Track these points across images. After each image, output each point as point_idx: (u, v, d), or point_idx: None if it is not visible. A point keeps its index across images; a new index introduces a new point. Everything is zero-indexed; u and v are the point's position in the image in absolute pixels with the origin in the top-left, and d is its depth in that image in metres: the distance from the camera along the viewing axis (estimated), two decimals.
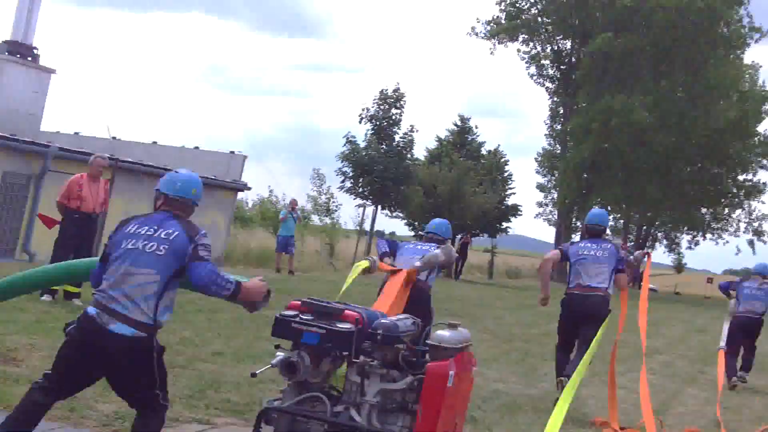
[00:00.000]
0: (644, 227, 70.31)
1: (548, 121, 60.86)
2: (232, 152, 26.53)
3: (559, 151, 57.24)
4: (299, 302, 5.36)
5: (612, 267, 9.45)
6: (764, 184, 65.28)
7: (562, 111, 56.97)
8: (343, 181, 32.88)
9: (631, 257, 10.97)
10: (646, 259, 10.66)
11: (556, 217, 59.42)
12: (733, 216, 67.70)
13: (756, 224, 67.12)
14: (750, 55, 64.84)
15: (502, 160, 47.78)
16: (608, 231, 10.99)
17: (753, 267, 14.48)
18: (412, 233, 42.58)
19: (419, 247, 9.17)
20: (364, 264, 8.28)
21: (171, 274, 4.91)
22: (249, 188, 26.94)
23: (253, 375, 5.47)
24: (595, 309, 9.15)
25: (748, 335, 13.34)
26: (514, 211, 46.57)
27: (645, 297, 9.46)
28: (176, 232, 4.98)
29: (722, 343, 12.54)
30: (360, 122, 33.38)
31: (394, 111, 33.30)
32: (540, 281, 10.39)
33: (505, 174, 47.41)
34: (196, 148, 27.16)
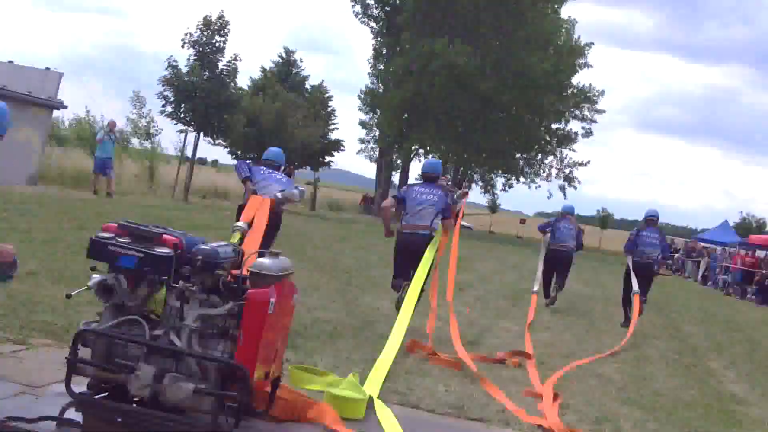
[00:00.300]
0: (461, 168, 72.13)
1: (372, 60, 61.12)
2: (48, 69, 25.37)
3: (381, 91, 57.63)
4: (115, 224, 5.19)
5: (438, 209, 10.64)
6: (575, 133, 68.12)
7: (385, 51, 57.26)
8: (164, 106, 32.01)
9: (454, 196, 11.72)
10: (464, 198, 12.14)
11: (377, 154, 60.06)
12: (546, 162, 70.36)
13: (567, 171, 69.99)
14: (566, 11, 66.71)
15: (326, 95, 47.75)
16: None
17: (562, 208, 17.15)
18: (235, 161, 42.18)
19: (274, 175, 10.23)
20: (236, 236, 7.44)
21: None
22: (65, 106, 25.97)
23: (68, 296, 5.30)
24: (422, 244, 10.30)
25: (561, 264, 15.82)
26: (337, 146, 46.81)
27: (457, 232, 10.99)
28: None
29: (534, 287, 14.80)
30: (183, 47, 32.50)
31: (217, 38, 32.56)
32: (384, 221, 11.48)
33: (329, 109, 47.47)
34: (10, 62, 25.85)
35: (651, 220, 15.73)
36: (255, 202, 8.40)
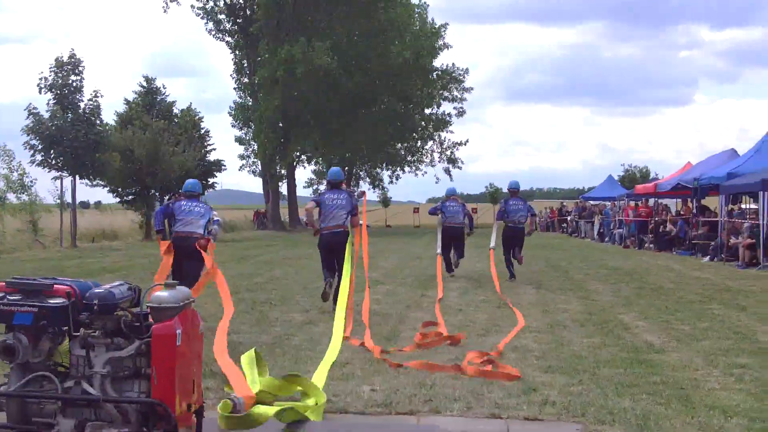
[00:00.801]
0: (346, 168, 72.39)
1: (235, 75, 60.76)
2: None
3: (251, 103, 57.32)
4: (3, 283, 4.99)
5: (348, 210, 12.78)
6: (449, 115, 69.26)
7: (246, 64, 56.96)
8: (33, 155, 31.21)
9: (356, 196, 13.60)
10: (363, 198, 14.23)
11: (260, 167, 59.74)
12: (426, 148, 71.26)
13: (448, 153, 71.01)
14: None
15: (197, 117, 47.15)
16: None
17: (446, 191, 19.67)
18: (117, 200, 41.35)
19: (195, 208, 11.91)
20: None
21: None
22: None
23: None
24: (341, 241, 12.46)
25: (455, 239, 18.60)
26: (218, 166, 46.27)
27: (365, 231, 13.07)
28: None
29: (438, 250, 17.89)
30: (40, 92, 31.80)
31: (73, 78, 31.92)
32: (309, 223, 13.85)
33: (202, 131, 46.87)
34: None
35: (514, 191, 18.69)
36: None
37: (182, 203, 11.95)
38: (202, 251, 11.21)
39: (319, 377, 7.42)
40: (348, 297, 10.68)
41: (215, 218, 11.98)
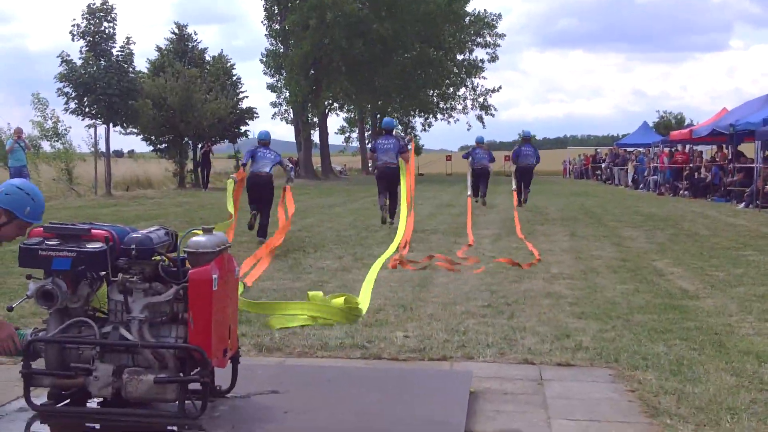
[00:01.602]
0: (378, 115, 72.15)
1: (265, 22, 60.34)
2: None
3: (282, 50, 57.00)
4: (41, 228, 5.02)
5: (396, 150, 16.99)
6: (482, 60, 68.60)
7: (277, 11, 56.52)
8: (66, 103, 31.32)
9: (405, 140, 18.11)
10: (411, 142, 18.31)
11: (291, 115, 59.60)
12: (459, 94, 70.73)
13: (481, 99, 70.51)
14: None
15: (228, 64, 46.99)
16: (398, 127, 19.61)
17: (475, 139, 24.53)
18: (151, 148, 41.49)
19: (267, 153, 15.27)
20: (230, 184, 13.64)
21: None
22: None
23: (10, 309, 5.19)
24: (394, 174, 16.69)
25: (482, 177, 23.09)
26: (250, 114, 46.22)
27: (412, 170, 16.92)
28: None
29: (468, 191, 20.23)
30: (73, 40, 31.77)
31: (106, 24, 31.85)
32: (372, 162, 18.99)
33: (234, 78, 46.74)
34: None
35: (526, 138, 23.55)
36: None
37: (259, 149, 15.36)
38: (281, 188, 15.43)
39: (370, 278, 8.99)
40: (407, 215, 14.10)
41: (288, 165, 16.38)
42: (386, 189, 17.24)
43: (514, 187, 20.74)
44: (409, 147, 17.52)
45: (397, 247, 12.33)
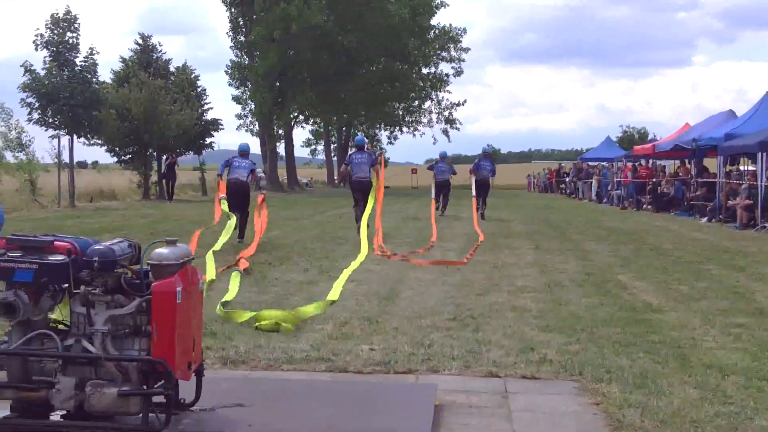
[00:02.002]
0: (344, 128, 72.25)
1: (231, 33, 60.19)
2: None
3: (247, 62, 56.88)
4: (3, 240, 4.96)
5: (369, 164, 19.38)
6: (447, 75, 68.96)
7: (242, 22, 56.41)
8: (30, 113, 31.06)
9: (376, 155, 21.00)
10: (381, 156, 22.00)
11: (257, 127, 59.47)
12: (424, 108, 71.04)
13: (446, 113, 70.82)
14: None
15: (193, 75, 46.80)
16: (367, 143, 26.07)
17: (439, 153, 28.64)
18: (115, 159, 41.21)
19: (242, 163, 17.57)
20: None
21: None
22: None
23: None
24: (365, 187, 18.99)
25: (443, 188, 26.86)
26: (215, 125, 46.04)
27: (381, 184, 18.92)
28: None
29: (431, 196, 24.63)
30: (36, 49, 31.52)
31: (69, 35, 31.65)
32: (341, 177, 22.16)
33: (199, 89, 46.54)
34: None
35: (487, 154, 27.65)
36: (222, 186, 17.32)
37: (236, 158, 17.68)
38: (250, 196, 17.80)
39: (340, 281, 9.74)
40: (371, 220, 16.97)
41: (260, 174, 18.57)
42: (362, 199, 19.04)
43: (473, 194, 24.15)
44: (379, 160, 20.02)
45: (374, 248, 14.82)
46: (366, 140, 22.68)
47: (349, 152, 24.71)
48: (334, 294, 9.55)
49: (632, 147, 42.43)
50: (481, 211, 24.32)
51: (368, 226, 16.16)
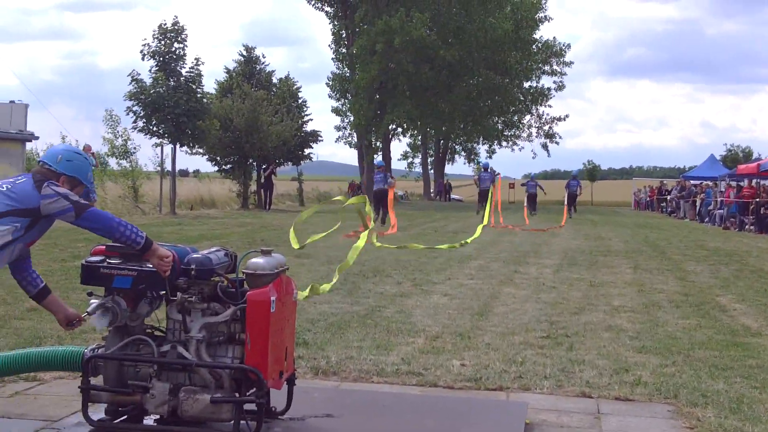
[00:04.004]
0: (441, 141, 72.20)
1: (333, 45, 60.75)
2: (12, 102, 25.05)
3: (348, 74, 57.30)
4: (103, 247, 5.10)
5: (384, 182, 27.06)
6: (548, 89, 68.31)
7: (344, 34, 56.88)
8: (135, 121, 31.77)
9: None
10: (393, 181, 28.47)
11: (355, 139, 59.84)
12: (524, 122, 70.52)
13: (546, 128, 70.21)
14: None
15: (294, 87, 47.36)
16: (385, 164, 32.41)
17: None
18: (216, 168, 41.92)
19: (379, 175, 28.22)
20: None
21: (4, 210, 4.67)
22: (36, 137, 25.63)
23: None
24: (381, 196, 26.63)
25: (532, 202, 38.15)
26: (314, 137, 46.52)
27: (391, 195, 25.84)
28: (23, 179, 4.85)
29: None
30: (143, 59, 32.25)
31: (176, 45, 32.30)
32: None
33: (300, 101, 47.09)
34: None
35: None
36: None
37: (377, 174, 28.07)
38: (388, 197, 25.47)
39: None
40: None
41: (389, 179, 27.77)
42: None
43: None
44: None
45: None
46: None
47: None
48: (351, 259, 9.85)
49: (736, 166, 41.39)
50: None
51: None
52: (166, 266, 4.84)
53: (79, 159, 5.09)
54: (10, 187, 4.79)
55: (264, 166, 40.84)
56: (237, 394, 4.85)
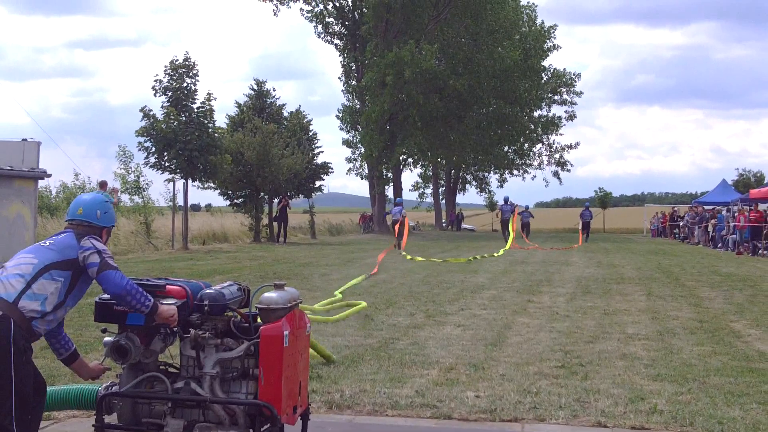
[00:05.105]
0: (452, 170, 72.29)
1: (343, 78, 61.02)
2: (24, 140, 25.12)
3: (358, 106, 57.52)
4: None
5: (399, 214, 33.34)
6: (559, 117, 68.46)
7: (354, 67, 57.17)
8: (147, 157, 31.87)
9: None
10: (405, 216, 33.12)
11: (366, 171, 59.94)
12: (534, 151, 70.61)
13: (557, 156, 70.26)
14: None
15: (305, 120, 47.50)
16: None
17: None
18: (227, 203, 42.00)
19: (396, 208, 35.20)
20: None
21: (48, 263, 4.76)
22: (49, 175, 25.66)
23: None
24: (400, 225, 32.54)
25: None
26: (325, 169, 46.56)
27: (407, 224, 32.41)
28: (65, 234, 4.99)
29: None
30: (155, 95, 32.36)
31: (188, 80, 32.45)
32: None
33: (310, 134, 47.20)
34: None
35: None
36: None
37: (394, 208, 34.09)
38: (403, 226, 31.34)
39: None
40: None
41: (402, 212, 32.89)
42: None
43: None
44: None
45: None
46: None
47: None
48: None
49: (748, 190, 41.27)
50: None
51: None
52: (172, 322, 4.92)
53: (110, 207, 5.24)
54: (52, 242, 4.91)
55: (278, 199, 40.92)
56: (251, 430, 4.85)
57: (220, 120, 42.74)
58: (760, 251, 30.61)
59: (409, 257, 23.68)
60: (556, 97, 68.77)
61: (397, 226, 33.53)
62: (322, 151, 50.47)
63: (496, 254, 27.29)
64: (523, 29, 61.99)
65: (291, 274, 18.34)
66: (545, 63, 64.94)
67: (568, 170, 70.80)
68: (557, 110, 69.94)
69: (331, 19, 56.83)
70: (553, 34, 64.71)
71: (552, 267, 22.37)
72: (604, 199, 70.36)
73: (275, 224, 40.75)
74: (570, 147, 71.13)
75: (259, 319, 5.05)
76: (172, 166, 31.76)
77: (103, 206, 5.16)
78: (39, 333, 4.72)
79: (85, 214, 5.10)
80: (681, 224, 49.06)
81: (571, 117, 69.15)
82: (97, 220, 5.08)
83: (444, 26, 52.54)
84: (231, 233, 40.41)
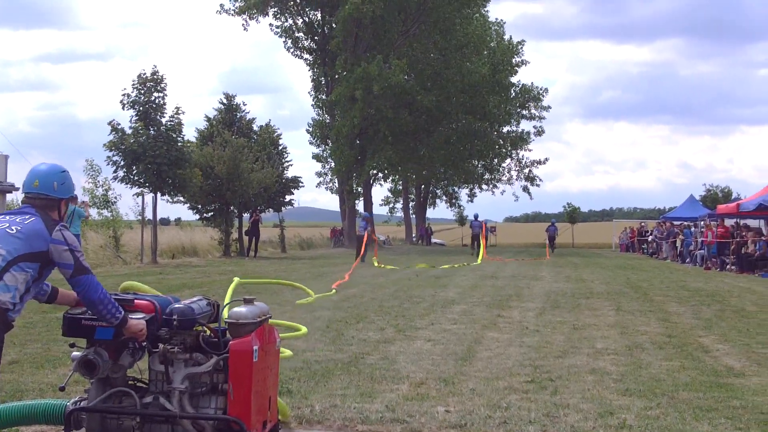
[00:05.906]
0: (422, 185, 72.53)
1: (312, 92, 61.13)
2: None
3: (328, 121, 57.60)
4: None
5: (363, 227, 35.14)
6: (527, 133, 68.97)
7: (324, 81, 57.26)
8: (115, 171, 31.69)
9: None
10: (369, 224, 35.99)
11: (336, 185, 59.99)
12: (504, 166, 71.09)
13: (526, 171, 70.73)
14: (492, 12, 67.67)
15: (275, 134, 47.43)
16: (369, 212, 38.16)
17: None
18: (197, 217, 41.84)
19: (362, 222, 36.76)
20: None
21: (17, 255, 4.68)
22: (17, 188, 25.50)
23: (62, 389, 5.24)
24: (360, 240, 33.78)
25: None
26: (295, 183, 46.55)
27: (375, 237, 38.69)
28: (31, 219, 4.84)
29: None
30: (123, 108, 32.22)
31: (156, 94, 32.33)
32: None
33: (280, 147, 47.15)
34: None
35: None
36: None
37: (361, 221, 34.92)
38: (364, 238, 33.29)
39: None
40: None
41: (366, 227, 34.28)
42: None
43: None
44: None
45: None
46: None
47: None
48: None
49: (716, 206, 41.67)
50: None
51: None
52: (141, 337, 4.90)
53: (67, 177, 5.13)
54: (19, 228, 4.77)
55: (250, 213, 40.82)
56: None
57: (189, 134, 42.64)
58: (727, 266, 30.88)
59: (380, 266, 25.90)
60: (524, 112, 69.27)
61: (364, 239, 33.99)
62: (292, 165, 50.56)
63: (473, 264, 31.03)
64: (492, 45, 62.44)
65: (261, 288, 18.28)
66: (513, 79, 65.46)
67: (538, 185, 71.33)
68: (525, 125, 70.74)
69: (301, 34, 56.94)
70: (521, 50, 65.23)
71: (521, 282, 22.44)
72: (573, 215, 70.73)
73: (246, 238, 40.68)
74: (539, 162, 71.67)
75: (228, 334, 5.03)
76: (141, 180, 31.62)
77: (60, 176, 5.06)
78: (12, 324, 4.68)
79: (41, 187, 5.00)
80: (649, 239, 49.43)
81: (540, 132, 69.70)
82: (54, 191, 4.98)
83: (413, 41, 52.78)
84: (200, 247, 40.26)
